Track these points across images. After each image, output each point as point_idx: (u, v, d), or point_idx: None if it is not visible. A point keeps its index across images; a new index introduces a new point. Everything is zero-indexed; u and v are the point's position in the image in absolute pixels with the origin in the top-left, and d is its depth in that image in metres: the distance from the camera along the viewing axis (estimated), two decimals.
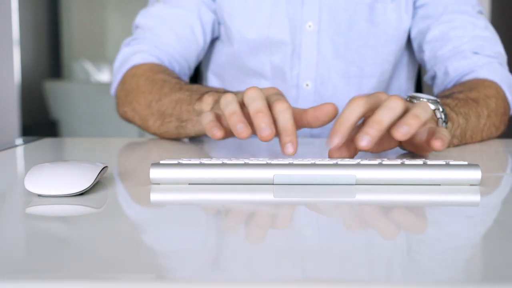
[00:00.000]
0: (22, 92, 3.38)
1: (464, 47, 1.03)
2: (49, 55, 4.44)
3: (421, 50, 1.09)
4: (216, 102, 0.80)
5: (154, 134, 0.96)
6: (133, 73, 1.02)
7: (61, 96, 3.78)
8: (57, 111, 3.80)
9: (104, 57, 5.06)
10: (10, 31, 3.14)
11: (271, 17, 1.08)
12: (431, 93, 0.99)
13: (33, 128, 3.57)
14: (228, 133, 0.72)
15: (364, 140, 0.60)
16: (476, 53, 1.02)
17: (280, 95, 0.70)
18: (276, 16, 1.07)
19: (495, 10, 2.55)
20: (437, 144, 0.62)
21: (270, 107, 0.68)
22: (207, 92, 0.85)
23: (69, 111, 3.77)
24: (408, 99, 0.74)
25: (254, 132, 0.68)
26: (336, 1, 1.07)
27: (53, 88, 3.82)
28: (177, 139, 0.93)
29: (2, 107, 3.14)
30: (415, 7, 1.09)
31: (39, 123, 3.77)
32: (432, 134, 0.65)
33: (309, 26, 1.07)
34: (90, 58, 4.88)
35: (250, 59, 1.11)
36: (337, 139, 0.61)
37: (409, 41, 1.12)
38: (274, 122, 0.66)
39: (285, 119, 0.65)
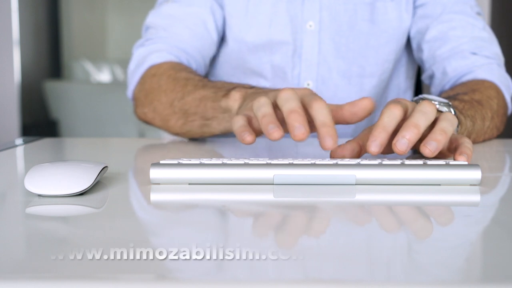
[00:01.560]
0: (22, 92, 3.37)
1: (463, 47, 1.03)
2: (49, 55, 4.44)
3: (419, 49, 1.09)
4: (244, 98, 0.79)
5: (176, 134, 0.94)
6: (153, 72, 1.00)
7: (61, 96, 3.78)
8: (57, 111, 3.80)
9: (104, 57, 5.06)
10: (10, 31, 3.13)
11: (271, 17, 1.07)
12: (428, 93, 0.98)
13: (33, 128, 3.57)
14: (259, 136, 0.70)
15: (404, 145, 0.59)
16: (474, 53, 1.02)
17: (315, 94, 0.67)
18: (277, 16, 1.07)
19: (495, 10, 2.55)
20: (461, 159, 0.61)
21: (305, 107, 0.65)
22: (234, 88, 0.82)
23: (69, 111, 3.77)
24: (419, 101, 0.74)
25: (286, 131, 0.66)
26: (337, 0, 1.07)
27: (53, 88, 3.81)
28: (200, 138, 0.90)
29: (2, 107, 3.14)
30: (414, 7, 1.09)
31: (39, 123, 3.77)
32: (454, 144, 0.64)
33: (310, 26, 1.07)
34: (90, 58, 4.88)
35: (250, 59, 1.10)
36: (377, 148, 0.59)
37: (408, 40, 1.12)
38: (310, 122, 0.64)
39: (323, 115, 0.63)
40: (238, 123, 0.68)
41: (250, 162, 0.58)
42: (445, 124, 0.62)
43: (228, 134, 0.88)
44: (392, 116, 0.61)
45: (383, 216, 0.50)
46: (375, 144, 0.59)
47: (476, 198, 0.55)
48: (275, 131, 0.62)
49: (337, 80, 1.10)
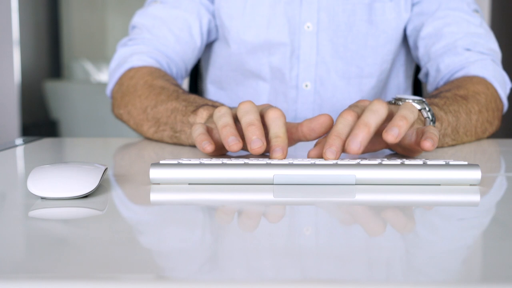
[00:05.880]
0: (22, 92, 3.37)
1: (458, 43, 1.02)
2: (49, 55, 4.44)
3: (415, 47, 1.09)
4: (211, 117, 0.79)
5: (149, 139, 0.95)
6: (132, 75, 1.01)
7: (61, 96, 3.78)
8: (57, 111, 3.80)
9: (104, 57, 5.06)
10: (10, 31, 3.13)
11: (269, 18, 1.07)
12: (425, 91, 0.98)
13: (33, 128, 3.57)
14: (219, 148, 0.71)
15: (355, 144, 0.60)
16: (468, 49, 1.02)
17: (273, 106, 0.69)
18: (275, 17, 1.07)
19: (495, 10, 2.55)
20: (427, 144, 0.62)
21: (263, 117, 0.68)
22: (202, 106, 0.83)
23: (69, 111, 3.77)
24: (393, 101, 0.74)
25: (245, 146, 0.68)
26: (335, 1, 1.07)
27: (53, 88, 3.82)
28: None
29: (2, 107, 3.14)
30: (412, 4, 1.09)
31: (39, 123, 3.77)
32: (420, 135, 0.65)
33: (308, 27, 1.07)
34: (90, 58, 4.88)
35: (249, 60, 1.10)
36: (333, 155, 0.60)
37: (406, 39, 1.12)
38: (267, 135, 0.66)
39: (277, 126, 0.65)
40: (197, 131, 0.70)
41: (250, 162, 0.58)
42: (405, 112, 0.64)
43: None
44: (345, 122, 0.63)
45: (383, 216, 0.50)
46: (331, 151, 0.61)
47: (476, 198, 0.55)
48: (234, 144, 0.64)
49: (336, 81, 1.10)
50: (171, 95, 0.91)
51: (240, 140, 0.65)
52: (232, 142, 0.64)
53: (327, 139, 0.62)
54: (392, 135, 0.61)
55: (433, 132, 0.64)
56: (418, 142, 0.66)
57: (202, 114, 0.82)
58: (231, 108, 0.71)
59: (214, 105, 0.85)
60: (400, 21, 1.08)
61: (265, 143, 0.63)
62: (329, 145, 0.61)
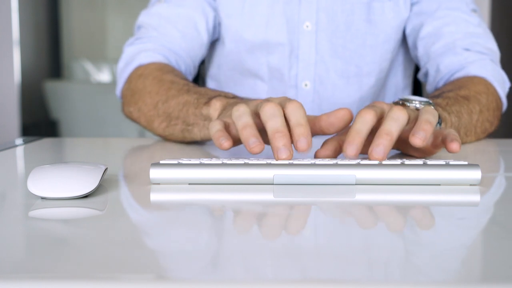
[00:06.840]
0: (22, 92, 3.37)
1: (456, 43, 1.02)
2: (49, 55, 4.44)
3: (415, 47, 1.09)
4: (225, 107, 0.79)
5: (159, 136, 0.94)
6: (140, 72, 1.00)
7: (61, 96, 3.78)
8: (57, 111, 3.80)
9: (104, 57, 5.06)
10: (10, 31, 3.13)
11: (268, 17, 1.07)
12: (424, 91, 0.98)
13: (33, 128, 3.57)
14: (236, 142, 0.70)
15: (379, 152, 0.60)
16: (467, 49, 1.02)
17: (291, 100, 0.67)
18: (273, 16, 1.07)
19: (495, 10, 2.55)
20: (454, 147, 0.62)
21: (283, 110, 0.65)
22: (215, 97, 0.83)
23: (69, 111, 3.77)
24: (400, 102, 0.74)
25: (266, 142, 0.66)
26: (334, 1, 1.07)
27: (53, 88, 3.81)
28: (181, 142, 0.92)
29: (2, 107, 3.14)
30: (411, 4, 1.09)
31: (39, 123, 3.77)
32: (439, 137, 0.65)
33: (307, 27, 1.07)
34: (90, 58, 4.88)
35: (247, 59, 1.10)
36: (354, 151, 0.60)
37: (405, 38, 1.13)
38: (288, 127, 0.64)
39: (298, 115, 0.63)
40: (215, 128, 0.68)
41: (250, 162, 0.58)
42: (428, 116, 0.63)
43: (209, 140, 0.88)
44: (364, 121, 0.62)
45: (383, 216, 0.50)
46: (351, 148, 0.60)
47: (476, 198, 0.55)
48: (256, 146, 0.62)
49: (335, 80, 1.10)
50: (182, 89, 0.90)
51: (262, 142, 0.63)
52: (253, 145, 0.62)
53: (347, 136, 0.61)
54: (419, 139, 0.61)
55: (455, 134, 0.64)
56: (435, 144, 0.66)
57: (215, 105, 0.81)
58: (248, 103, 0.69)
59: (227, 96, 0.83)
60: (399, 20, 1.08)
61: (292, 152, 0.61)
62: (349, 142, 0.60)
